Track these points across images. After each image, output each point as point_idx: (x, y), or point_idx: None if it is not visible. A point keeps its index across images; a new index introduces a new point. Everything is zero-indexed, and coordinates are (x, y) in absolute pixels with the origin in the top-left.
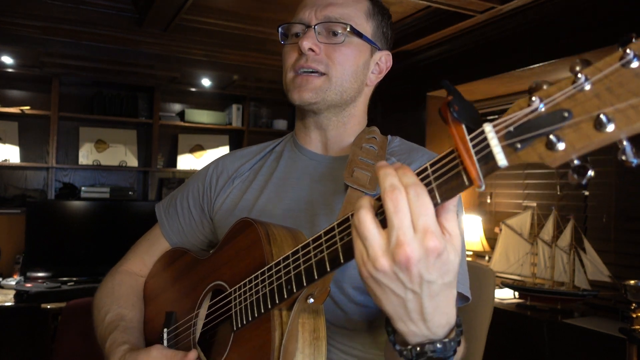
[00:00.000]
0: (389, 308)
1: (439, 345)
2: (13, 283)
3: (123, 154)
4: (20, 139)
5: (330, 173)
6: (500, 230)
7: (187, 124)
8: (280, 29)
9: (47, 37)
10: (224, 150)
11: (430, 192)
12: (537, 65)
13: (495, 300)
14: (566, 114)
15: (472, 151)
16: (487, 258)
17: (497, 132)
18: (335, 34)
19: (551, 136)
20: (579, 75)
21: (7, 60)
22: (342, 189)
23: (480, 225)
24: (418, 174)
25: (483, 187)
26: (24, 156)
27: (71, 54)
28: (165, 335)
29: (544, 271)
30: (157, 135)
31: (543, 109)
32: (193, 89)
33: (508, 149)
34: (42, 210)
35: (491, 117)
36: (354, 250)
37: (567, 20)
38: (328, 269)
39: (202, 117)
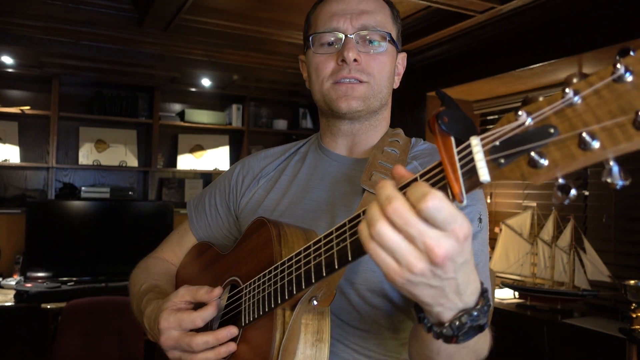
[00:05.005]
0: (427, 300)
1: (474, 313)
2: (13, 283)
3: (123, 154)
4: (20, 139)
5: (351, 174)
6: (500, 230)
7: (187, 124)
8: (310, 38)
9: (47, 37)
10: (224, 150)
11: None
12: (537, 65)
13: (496, 300)
14: (552, 130)
15: (458, 165)
16: None
17: (483, 145)
18: (372, 42)
19: (533, 153)
20: (567, 89)
21: (7, 60)
22: (361, 190)
23: None
24: (408, 184)
25: (465, 203)
26: (24, 156)
27: (71, 54)
28: None
29: (544, 271)
30: (157, 135)
31: (531, 124)
32: (193, 89)
33: (492, 164)
34: (42, 210)
35: (491, 118)
36: (380, 265)
37: (567, 20)
38: (324, 274)
39: (202, 117)
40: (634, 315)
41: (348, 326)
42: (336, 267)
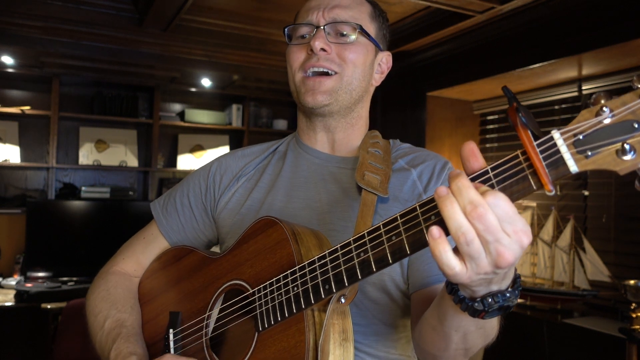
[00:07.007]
0: (472, 283)
1: (507, 294)
2: (13, 283)
3: (123, 154)
4: (20, 139)
5: (338, 172)
6: None
7: (187, 124)
8: (285, 30)
9: (47, 37)
10: (224, 150)
11: None
12: (537, 65)
13: None
14: (636, 125)
15: (541, 156)
16: None
17: (565, 139)
18: (343, 34)
19: (624, 144)
20: None
21: (7, 60)
22: (351, 188)
23: None
24: (478, 177)
25: (554, 192)
26: (24, 156)
27: (71, 54)
28: (171, 337)
29: (543, 271)
30: (157, 135)
31: (610, 121)
32: (193, 89)
33: (578, 156)
34: (42, 210)
35: (491, 117)
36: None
37: (567, 20)
38: (374, 269)
39: (202, 117)
40: (634, 315)
41: None
42: (390, 261)
